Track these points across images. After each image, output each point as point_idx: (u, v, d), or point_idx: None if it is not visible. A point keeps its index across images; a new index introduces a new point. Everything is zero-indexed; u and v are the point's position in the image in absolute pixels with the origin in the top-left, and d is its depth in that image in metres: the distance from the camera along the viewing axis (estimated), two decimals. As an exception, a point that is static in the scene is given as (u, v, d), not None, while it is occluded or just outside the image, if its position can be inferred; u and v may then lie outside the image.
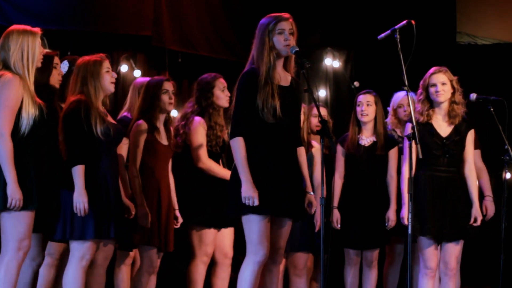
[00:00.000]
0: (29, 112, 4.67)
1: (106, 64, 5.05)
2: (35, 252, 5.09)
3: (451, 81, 5.58)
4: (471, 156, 5.63)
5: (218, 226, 5.91)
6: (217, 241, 5.98)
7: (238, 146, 4.72)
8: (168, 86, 5.67)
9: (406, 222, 5.52)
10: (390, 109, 6.58)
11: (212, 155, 5.88)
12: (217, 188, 5.85)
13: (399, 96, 6.48)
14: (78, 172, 4.84)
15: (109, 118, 5.10)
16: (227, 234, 6.04)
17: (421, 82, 5.63)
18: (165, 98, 5.63)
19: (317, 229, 6.12)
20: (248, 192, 4.65)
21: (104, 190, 4.97)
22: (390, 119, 6.54)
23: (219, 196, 5.74)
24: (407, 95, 5.01)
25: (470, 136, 5.62)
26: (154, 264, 5.62)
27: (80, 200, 4.81)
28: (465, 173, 5.59)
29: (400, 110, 6.47)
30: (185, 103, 6.10)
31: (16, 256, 4.66)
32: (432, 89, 5.56)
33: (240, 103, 4.79)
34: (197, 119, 5.86)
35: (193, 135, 5.83)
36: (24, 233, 4.67)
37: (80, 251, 4.91)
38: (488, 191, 6.23)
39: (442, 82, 5.55)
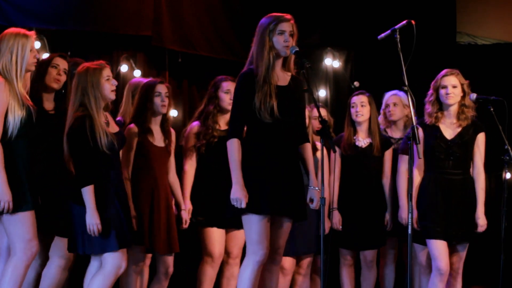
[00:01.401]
0: (15, 115, 4.69)
1: (106, 72, 5.04)
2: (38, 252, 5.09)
3: (462, 84, 5.60)
4: (479, 159, 5.64)
5: (224, 226, 5.92)
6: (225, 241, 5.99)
7: (233, 148, 4.75)
8: (161, 88, 5.67)
9: (404, 222, 5.53)
10: (381, 109, 6.62)
11: (200, 156, 5.92)
12: (223, 188, 5.86)
13: (386, 96, 6.57)
14: (88, 193, 4.86)
15: (111, 128, 5.09)
16: (238, 236, 6.02)
17: (432, 83, 5.64)
18: (157, 100, 5.64)
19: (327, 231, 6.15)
20: (236, 194, 4.70)
21: (116, 201, 4.99)
22: (380, 119, 6.58)
23: (225, 196, 5.75)
24: (408, 96, 5.00)
25: (479, 139, 5.62)
26: (140, 263, 5.63)
27: (93, 222, 4.84)
28: (474, 176, 5.61)
29: (386, 110, 6.52)
30: (185, 102, 6.13)
31: (24, 257, 4.70)
32: (442, 91, 5.57)
33: (236, 105, 4.84)
34: (192, 124, 5.99)
35: (184, 141, 6.00)
36: (29, 233, 4.70)
37: (114, 260, 4.91)
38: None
39: (453, 85, 5.56)
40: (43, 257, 5.18)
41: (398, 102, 6.47)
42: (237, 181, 4.72)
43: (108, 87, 5.04)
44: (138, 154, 5.59)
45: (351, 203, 6.24)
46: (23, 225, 4.68)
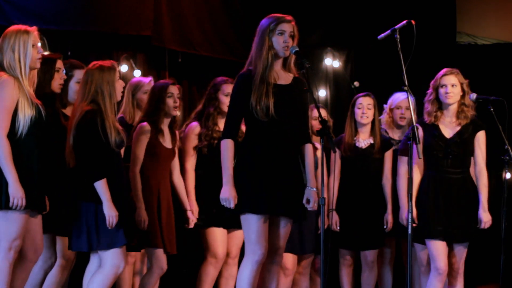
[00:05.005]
0: (25, 113, 4.66)
1: (118, 73, 5.07)
2: (48, 253, 5.09)
3: (461, 83, 5.60)
4: (480, 158, 5.63)
5: (227, 226, 5.92)
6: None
7: (225, 147, 4.79)
8: (174, 89, 5.69)
9: (405, 223, 5.53)
10: (386, 107, 6.58)
11: (201, 157, 5.93)
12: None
13: (399, 98, 6.48)
14: (102, 186, 4.86)
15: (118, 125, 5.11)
16: (237, 235, 6.01)
17: (432, 82, 5.65)
18: (170, 102, 5.65)
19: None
20: (225, 194, 4.73)
21: (121, 198, 4.98)
22: (384, 117, 6.54)
23: None
24: (408, 97, 5.00)
25: (479, 137, 5.62)
26: (163, 265, 5.62)
27: (112, 213, 4.84)
28: (476, 173, 5.61)
29: (397, 111, 6.49)
30: (185, 102, 6.14)
31: (7, 256, 4.66)
32: (442, 90, 5.58)
33: (232, 106, 4.86)
34: (191, 125, 5.98)
35: (183, 141, 5.97)
36: (16, 233, 4.66)
37: (113, 260, 4.90)
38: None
39: (452, 84, 5.56)
40: (54, 258, 5.16)
41: (409, 106, 6.45)
42: (227, 181, 4.75)
43: (119, 87, 5.08)
44: (146, 153, 5.58)
45: (351, 204, 6.24)
46: (14, 224, 4.64)
